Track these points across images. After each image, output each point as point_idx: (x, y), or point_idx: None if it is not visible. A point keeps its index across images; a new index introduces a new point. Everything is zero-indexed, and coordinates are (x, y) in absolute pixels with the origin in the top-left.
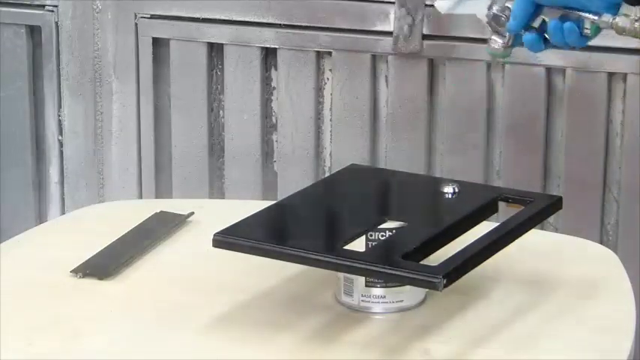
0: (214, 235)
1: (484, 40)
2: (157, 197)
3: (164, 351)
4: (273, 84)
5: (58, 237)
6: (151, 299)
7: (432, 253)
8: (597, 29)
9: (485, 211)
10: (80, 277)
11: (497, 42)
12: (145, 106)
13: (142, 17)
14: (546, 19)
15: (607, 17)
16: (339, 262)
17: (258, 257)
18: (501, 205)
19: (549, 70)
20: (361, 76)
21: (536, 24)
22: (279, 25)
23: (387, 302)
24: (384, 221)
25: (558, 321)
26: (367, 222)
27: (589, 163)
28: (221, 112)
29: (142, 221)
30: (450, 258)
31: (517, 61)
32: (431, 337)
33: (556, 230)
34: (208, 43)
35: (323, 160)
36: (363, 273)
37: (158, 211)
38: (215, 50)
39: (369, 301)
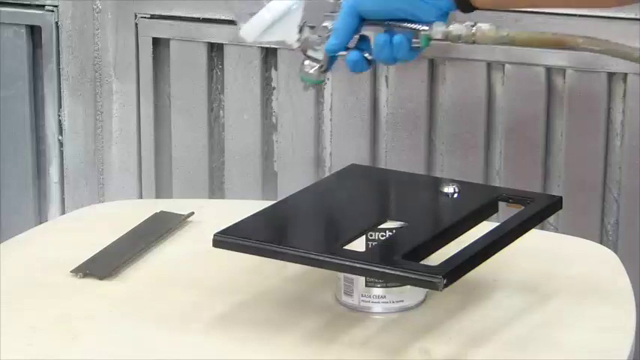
0: (214, 235)
1: None
2: (157, 197)
3: (164, 351)
4: (273, 84)
5: (58, 237)
6: (151, 299)
7: (432, 253)
8: (428, 40)
9: (485, 211)
10: (80, 277)
11: (312, 66)
12: (145, 106)
13: (142, 17)
14: (367, 36)
15: (439, 26)
16: (339, 262)
17: (258, 257)
18: (501, 205)
19: (549, 70)
20: (361, 76)
21: (353, 44)
22: None
23: (387, 302)
24: (384, 221)
25: (558, 321)
26: (367, 222)
27: (589, 163)
28: (221, 112)
29: (141, 221)
30: (450, 258)
31: (517, 61)
32: (431, 337)
33: (556, 230)
34: (208, 43)
35: (323, 160)
36: (363, 273)
37: (158, 211)
38: (215, 50)
39: (369, 301)
